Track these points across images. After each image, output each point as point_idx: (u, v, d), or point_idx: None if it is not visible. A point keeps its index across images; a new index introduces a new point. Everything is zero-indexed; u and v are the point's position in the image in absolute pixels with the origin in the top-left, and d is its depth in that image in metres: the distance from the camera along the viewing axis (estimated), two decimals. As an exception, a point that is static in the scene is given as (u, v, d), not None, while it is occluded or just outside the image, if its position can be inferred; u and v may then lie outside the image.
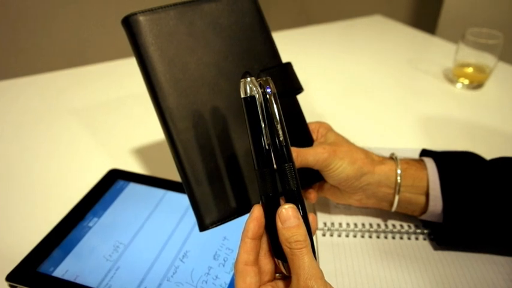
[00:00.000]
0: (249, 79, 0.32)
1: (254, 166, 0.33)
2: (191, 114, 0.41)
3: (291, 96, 0.46)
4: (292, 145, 0.35)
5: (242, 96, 0.33)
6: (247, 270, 0.33)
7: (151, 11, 0.41)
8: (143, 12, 0.41)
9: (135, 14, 0.41)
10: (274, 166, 0.33)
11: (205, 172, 0.40)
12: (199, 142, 0.40)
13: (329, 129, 0.49)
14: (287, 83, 0.46)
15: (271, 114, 0.32)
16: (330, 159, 0.43)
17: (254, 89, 0.32)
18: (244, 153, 0.42)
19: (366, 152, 0.47)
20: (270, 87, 0.33)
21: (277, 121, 0.32)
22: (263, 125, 0.32)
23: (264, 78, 0.33)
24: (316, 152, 0.43)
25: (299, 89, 0.47)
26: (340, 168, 0.44)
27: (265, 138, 0.33)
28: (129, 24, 0.41)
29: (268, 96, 0.33)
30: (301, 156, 0.43)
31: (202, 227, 0.40)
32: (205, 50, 0.42)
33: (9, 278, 0.43)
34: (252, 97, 0.32)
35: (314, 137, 0.48)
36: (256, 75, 0.43)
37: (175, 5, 0.42)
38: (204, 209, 0.40)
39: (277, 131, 0.32)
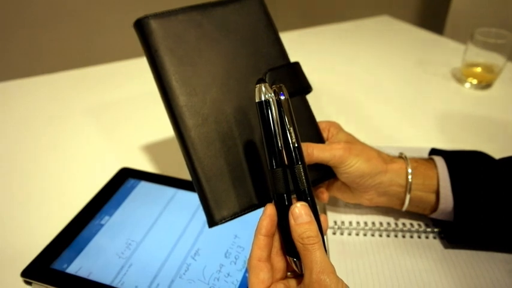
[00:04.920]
0: (263, 85, 0.34)
1: (267, 166, 0.35)
2: (200, 112, 0.42)
3: (299, 95, 0.47)
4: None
5: (257, 100, 0.34)
6: (260, 266, 0.34)
7: (162, 14, 0.43)
8: (154, 15, 0.42)
9: (146, 17, 0.42)
10: (287, 166, 0.35)
11: (214, 168, 0.41)
12: (209, 139, 0.41)
13: (340, 128, 0.49)
14: (295, 82, 0.47)
15: (284, 118, 0.34)
16: (346, 155, 0.44)
17: (268, 94, 0.34)
18: (252, 151, 0.42)
19: (377, 151, 0.47)
20: (283, 93, 0.35)
21: (290, 124, 0.34)
22: (276, 128, 0.34)
23: (278, 85, 0.35)
24: (332, 148, 0.44)
25: (308, 87, 0.47)
26: (355, 165, 0.44)
27: (278, 140, 0.34)
28: (140, 26, 0.42)
29: (281, 101, 0.35)
30: (317, 151, 0.43)
31: (212, 223, 0.41)
32: (214, 51, 0.44)
33: (24, 274, 0.43)
34: (267, 102, 0.34)
35: (325, 135, 0.48)
36: (264, 75, 0.44)
37: (184, 8, 0.44)
38: (213, 205, 0.40)
39: (290, 133, 0.34)
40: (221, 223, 0.40)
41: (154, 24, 0.42)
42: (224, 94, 0.43)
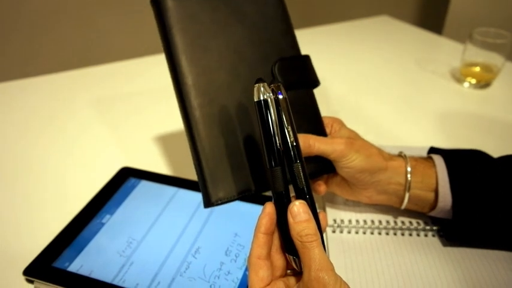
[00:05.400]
0: (262, 84, 0.34)
1: (266, 165, 0.35)
2: (207, 93, 0.42)
3: (307, 88, 0.47)
4: None
5: (255, 100, 0.35)
6: (259, 263, 0.34)
7: None
8: None
9: None
10: (285, 165, 0.35)
11: (215, 150, 0.41)
12: (213, 121, 0.42)
13: (342, 124, 0.49)
14: (304, 74, 0.47)
15: (282, 117, 0.35)
16: (347, 150, 0.44)
17: (266, 94, 0.34)
18: (254, 138, 0.43)
19: (378, 149, 0.47)
20: (281, 93, 0.35)
21: (288, 123, 0.35)
22: (274, 127, 0.34)
23: (277, 84, 0.36)
24: (334, 142, 0.44)
25: (316, 81, 0.48)
26: (356, 160, 0.44)
27: (276, 139, 0.34)
28: (157, 4, 0.43)
29: (279, 100, 0.35)
30: (319, 143, 0.44)
31: (208, 203, 0.41)
32: (227, 35, 0.44)
33: (26, 272, 0.44)
34: (265, 101, 0.34)
35: (328, 131, 0.48)
36: (274, 64, 0.45)
37: None
38: (211, 185, 0.41)
39: (288, 132, 0.34)
40: (217, 204, 0.41)
41: (170, 3, 0.43)
42: (233, 78, 0.43)
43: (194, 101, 0.41)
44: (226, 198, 0.41)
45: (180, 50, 0.42)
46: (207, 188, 0.41)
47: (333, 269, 0.31)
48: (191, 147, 0.42)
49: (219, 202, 0.41)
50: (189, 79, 0.42)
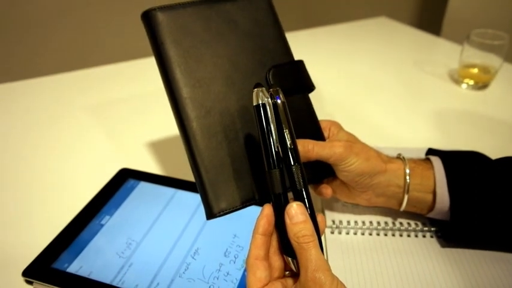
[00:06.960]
0: (260, 89, 0.35)
1: (265, 167, 0.35)
2: (204, 104, 0.42)
3: (302, 93, 0.47)
4: None
5: (254, 104, 0.35)
6: (257, 264, 0.34)
7: (170, 6, 0.43)
8: (162, 7, 0.43)
9: (153, 9, 0.43)
10: (284, 167, 0.36)
11: (214, 160, 0.41)
12: (211, 131, 0.41)
13: (340, 127, 0.49)
14: (299, 79, 0.47)
15: (280, 120, 0.35)
16: (346, 153, 0.44)
17: (265, 98, 0.35)
18: (254, 146, 0.43)
19: (377, 151, 0.47)
20: (279, 97, 0.36)
21: (285, 126, 0.35)
22: (272, 131, 0.35)
23: (275, 89, 0.36)
24: (332, 145, 0.44)
25: (311, 86, 0.48)
26: (355, 163, 0.44)
27: (274, 142, 0.35)
28: (147, 18, 0.43)
29: (278, 104, 0.36)
30: (318, 148, 0.43)
31: (210, 215, 0.40)
32: (220, 45, 0.44)
33: (25, 273, 0.44)
34: (263, 105, 0.35)
35: (326, 134, 0.48)
36: (268, 71, 0.45)
37: (193, 2, 0.44)
38: (212, 196, 0.40)
39: (286, 135, 0.35)
40: (219, 215, 0.40)
41: (161, 16, 0.42)
42: (228, 87, 0.43)
43: (191, 113, 0.41)
44: (229, 209, 0.40)
45: (174, 62, 0.42)
46: (208, 200, 0.40)
47: (329, 270, 0.32)
48: (190, 160, 0.41)
49: (222, 213, 0.40)
50: (184, 91, 0.41)
